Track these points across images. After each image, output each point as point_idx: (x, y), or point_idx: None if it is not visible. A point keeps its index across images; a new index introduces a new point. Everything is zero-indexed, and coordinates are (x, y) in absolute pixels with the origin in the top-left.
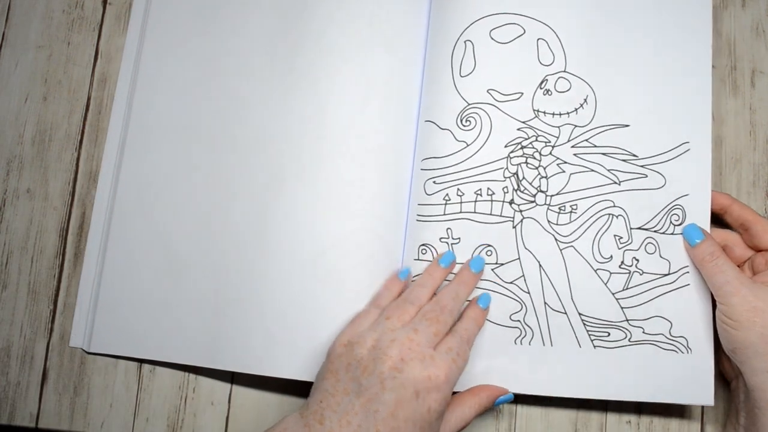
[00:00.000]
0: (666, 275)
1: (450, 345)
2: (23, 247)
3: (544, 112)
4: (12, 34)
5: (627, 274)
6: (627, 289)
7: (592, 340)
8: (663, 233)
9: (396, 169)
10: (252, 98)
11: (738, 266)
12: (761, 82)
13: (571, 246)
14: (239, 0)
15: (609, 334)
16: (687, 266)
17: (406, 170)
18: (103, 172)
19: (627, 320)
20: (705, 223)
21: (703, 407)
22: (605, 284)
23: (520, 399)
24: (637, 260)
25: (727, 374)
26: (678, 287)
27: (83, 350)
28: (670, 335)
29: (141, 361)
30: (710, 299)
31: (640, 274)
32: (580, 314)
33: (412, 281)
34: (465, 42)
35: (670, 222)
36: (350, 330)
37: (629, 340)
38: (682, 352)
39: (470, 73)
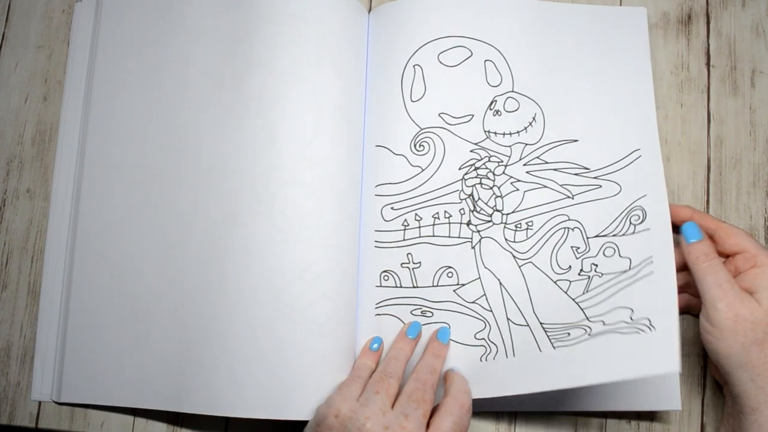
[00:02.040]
0: (626, 271)
1: (446, 427)
2: (23, 247)
3: (495, 133)
4: (12, 34)
5: (586, 279)
6: (587, 292)
7: (552, 342)
8: (623, 235)
9: (351, 195)
10: (202, 130)
11: None
12: (761, 82)
13: (530, 262)
14: (183, 29)
15: (569, 334)
16: (650, 256)
17: (359, 196)
18: (57, 213)
19: (587, 318)
20: (666, 218)
21: (703, 407)
22: (566, 292)
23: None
24: (596, 265)
25: (719, 379)
26: (640, 278)
27: (54, 401)
28: (631, 320)
29: (109, 409)
30: (674, 277)
31: (600, 276)
32: (541, 324)
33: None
34: (414, 66)
35: (630, 222)
36: (339, 398)
37: (589, 335)
38: (645, 332)
39: (421, 98)
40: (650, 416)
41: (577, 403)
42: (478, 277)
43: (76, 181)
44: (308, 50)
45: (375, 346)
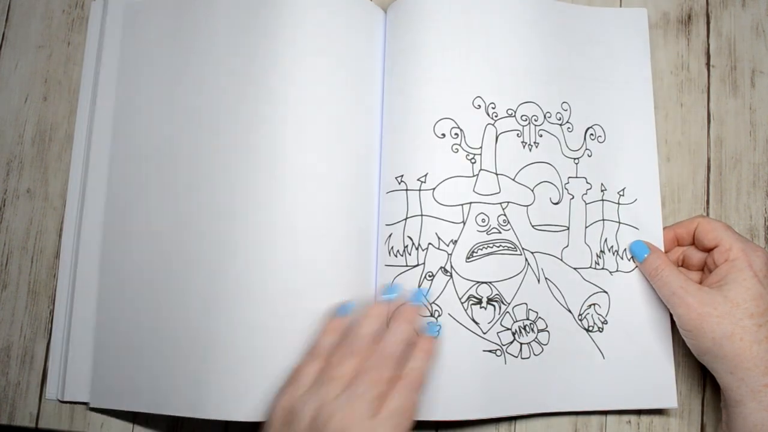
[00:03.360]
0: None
1: (393, 407)
2: (23, 247)
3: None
4: (12, 34)
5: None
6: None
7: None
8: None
9: (367, 191)
10: (223, 129)
11: (700, 271)
12: (761, 82)
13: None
14: (206, 29)
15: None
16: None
17: (377, 193)
18: (71, 213)
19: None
20: (657, 210)
21: (703, 407)
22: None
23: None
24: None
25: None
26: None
27: (59, 400)
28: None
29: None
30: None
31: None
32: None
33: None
34: None
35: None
36: (290, 391)
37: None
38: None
39: None
40: (650, 417)
41: (574, 401)
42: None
43: (108, 181)
44: (327, 52)
45: (342, 312)
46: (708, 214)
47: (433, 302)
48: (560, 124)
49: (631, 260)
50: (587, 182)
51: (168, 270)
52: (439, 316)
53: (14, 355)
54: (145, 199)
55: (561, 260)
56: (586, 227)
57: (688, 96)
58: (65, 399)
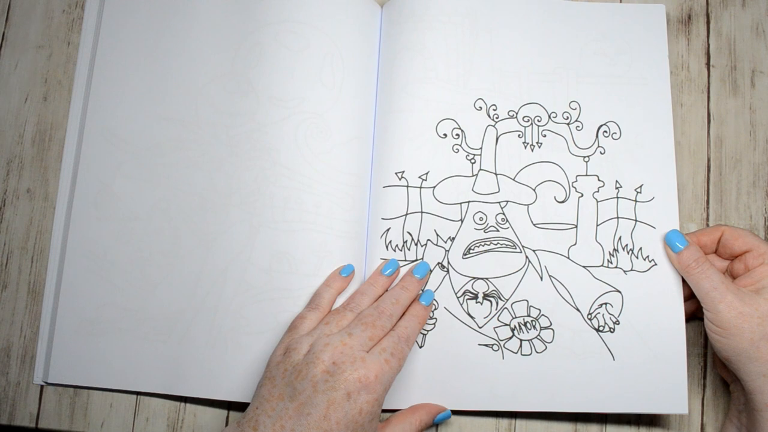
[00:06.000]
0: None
1: (384, 346)
2: (23, 247)
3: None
4: (12, 34)
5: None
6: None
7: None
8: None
9: (361, 185)
10: (209, 127)
11: None
12: (761, 82)
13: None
14: (190, 27)
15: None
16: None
17: (368, 187)
18: (61, 209)
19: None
20: (674, 214)
21: (703, 407)
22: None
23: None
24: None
25: (726, 377)
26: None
27: (45, 383)
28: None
29: (92, 388)
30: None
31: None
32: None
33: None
34: None
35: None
36: (288, 337)
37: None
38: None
39: None
40: (650, 417)
41: (578, 402)
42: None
43: (96, 174)
44: (318, 50)
45: (345, 272)
46: (708, 215)
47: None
48: (567, 123)
49: (647, 260)
50: (599, 180)
51: (155, 256)
52: (435, 309)
53: (14, 355)
54: (132, 188)
55: (568, 258)
56: (597, 225)
57: (688, 96)
58: (50, 381)
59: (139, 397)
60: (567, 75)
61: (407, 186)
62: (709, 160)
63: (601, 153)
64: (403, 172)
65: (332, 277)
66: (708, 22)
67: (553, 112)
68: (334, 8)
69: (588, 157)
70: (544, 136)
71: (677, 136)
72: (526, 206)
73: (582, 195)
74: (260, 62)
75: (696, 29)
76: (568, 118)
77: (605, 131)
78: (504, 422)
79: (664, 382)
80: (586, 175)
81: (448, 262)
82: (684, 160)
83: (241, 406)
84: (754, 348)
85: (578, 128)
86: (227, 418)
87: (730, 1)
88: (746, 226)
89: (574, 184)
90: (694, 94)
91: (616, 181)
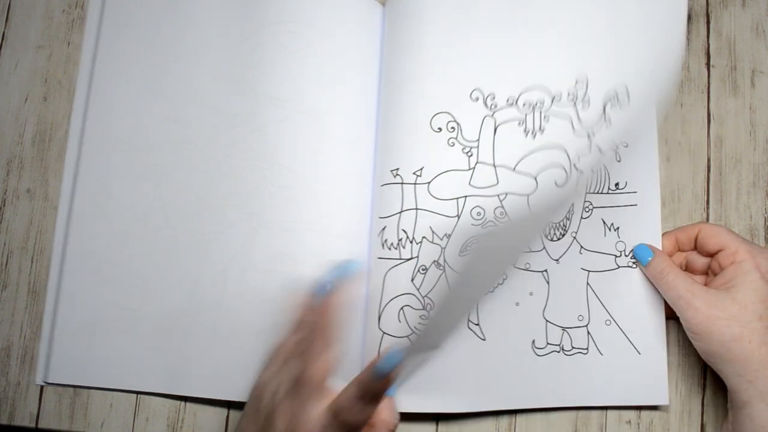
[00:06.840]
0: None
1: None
2: (23, 247)
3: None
4: (12, 34)
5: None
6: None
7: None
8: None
9: (363, 184)
10: (209, 127)
11: (704, 275)
12: (761, 82)
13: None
14: (190, 27)
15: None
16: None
17: (371, 186)
18: (64, 209)
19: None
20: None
21: (703, 407)
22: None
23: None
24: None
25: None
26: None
27: (45, 383)
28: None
29: (92, 388)
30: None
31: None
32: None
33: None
34: None
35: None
36: (267, 370)
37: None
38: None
39: None
40: (650, 417)
41: (573, 397)
42: None
43: (96, 174)
44: (318, 49)
45: (321, 292)
46: (708, 215)
47: (426, 296)
48: (573, 103)
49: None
50: (600, 151)
51: (156, 256)
52: (431, 309)
53: (14, 355)
54: (132, 188)
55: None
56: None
57: (688, 96)
58: (50, 381)
59: (139, 396)
60: (570, 48)
61: (401, 183)
62: (709, 160)
63: (608, 126)
64: (397, 169)
65: (306, 308)
66: (708, 22)
67: (556, 94)
68: (335, 8)
69: (593, 133)
70: (547, 120)
71: (677, 136)
72: (527, 197)
73: (582, 172)
74: (260, 62)
75: (696, 29)
76: (573, 97)
77: (612, 102)
78: (504, 422)
79: (647, 375)
80: (590, 152)
81: (444, 260)
82: (684, 160)
83: (241, 406)
84: (725, 350)
85: (584, 107)
86: (227, 417)
87: (730, 1)
88: (746, 226)
89: (576, 165)
90: (694, 94)
91: (616, 152)
